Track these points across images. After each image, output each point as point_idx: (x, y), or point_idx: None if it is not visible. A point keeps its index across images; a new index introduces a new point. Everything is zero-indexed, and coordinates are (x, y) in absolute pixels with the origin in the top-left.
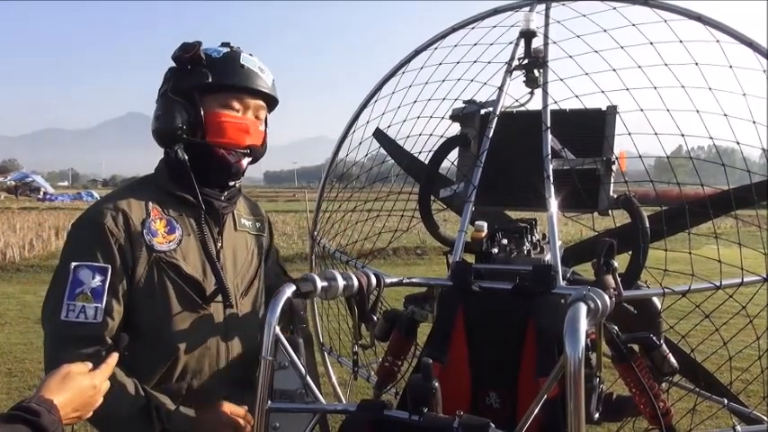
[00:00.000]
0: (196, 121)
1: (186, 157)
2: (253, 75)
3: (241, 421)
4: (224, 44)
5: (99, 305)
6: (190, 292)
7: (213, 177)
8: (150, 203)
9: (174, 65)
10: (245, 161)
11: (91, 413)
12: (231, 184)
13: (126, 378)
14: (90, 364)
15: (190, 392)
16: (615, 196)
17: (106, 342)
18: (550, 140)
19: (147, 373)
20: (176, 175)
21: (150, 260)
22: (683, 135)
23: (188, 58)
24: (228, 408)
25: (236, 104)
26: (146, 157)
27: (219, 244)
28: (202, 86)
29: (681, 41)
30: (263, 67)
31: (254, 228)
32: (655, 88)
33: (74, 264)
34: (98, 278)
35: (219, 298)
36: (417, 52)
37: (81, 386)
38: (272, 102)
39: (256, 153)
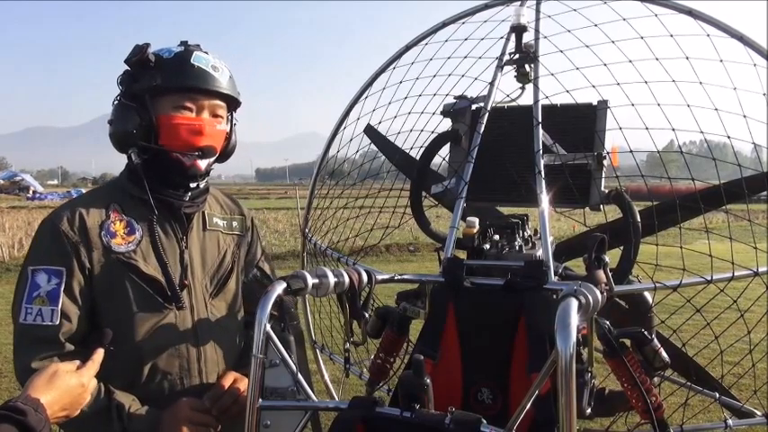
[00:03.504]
0: (149, 125)
1: (139, 161)
2: (203, 74)
3: (202, 417)
4: (182, 43)
5: (55, 308)
6: (151, 292)
7: (172, 179)
8: (111, 205)
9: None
10: (203, 162)
11: (78, 411)
12: (193, 185)
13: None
14: (77, 362)
15: (161, 394)
16: (606, 191)
17: (62, 344)
18: (542, 136)
19: (116, 374)
20: (136, 178)
21: (108, 261)
22: (674, 130)
23: (136, 62)
24: (189, 404)
25: (190, 105)
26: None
27: (185, 244)
28: (152, 89)
29: (671, 36)
30: (218, 65)
31: (228, 227)
32: (646, 83)
33: (31, 268)
34: (54, 281)
35: (185, 299)
36: (408, 48)
37: (68, 385)
38: (231, 99)
39: (212, 154)
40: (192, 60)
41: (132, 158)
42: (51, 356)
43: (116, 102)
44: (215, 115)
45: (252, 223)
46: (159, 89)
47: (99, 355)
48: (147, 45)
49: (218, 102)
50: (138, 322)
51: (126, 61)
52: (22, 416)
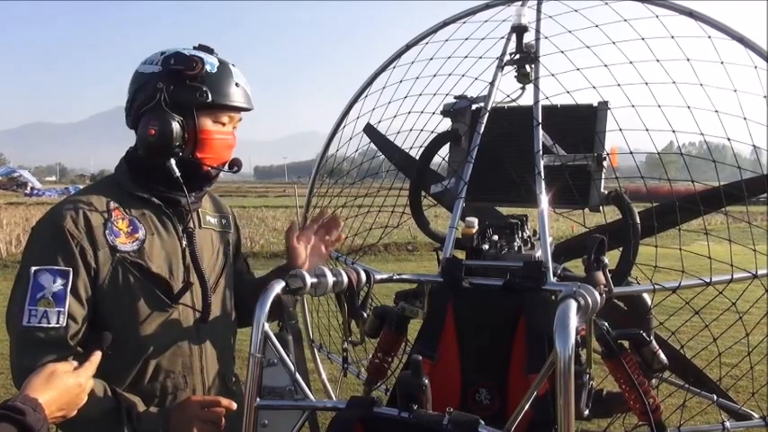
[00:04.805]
0: (189, 138)
1: (179, 174)
2: (245, 94)
3: (211, 414)
4: (201, 47)
5: (61, 309)
6: (157, 292)
7: (191, 184)
8: (112, 203)
9: (158, 69)
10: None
11: (75, 412)
12: (205, 188)
13: (95, 379)
14: (75, 363)
15: (164, 393)
16: (606, 192)
17: (71, 346)
18: (542, 136)
19: (118, 374)
20: (141, 178)
21: (114, 261)
22: (674, 131)
23: (191, 76)
24: (198, 402)
25: (225, 120)
26: None
27: (185, 242)
28: (203, 105)
29: (672, 37)
30: (246, 81)
31: (219, 225)
32: (646, 84)
33: (34, 268)
34: (59, 282)
35: (188, 296)
36: (408, 47)
37: (66, 385)
38: None
39: (239, 165)
40: (234, 78)
41: (173, 169)
42: (59, 359)
43: (155, 109)
44: (234, 126)
45: (235, 220)
46: (209, 105)
47: (96, 356)
48: (202, 60)
49: (241, 114)
50: (143, 322)
51: (174, 70)
52: (20, 415)
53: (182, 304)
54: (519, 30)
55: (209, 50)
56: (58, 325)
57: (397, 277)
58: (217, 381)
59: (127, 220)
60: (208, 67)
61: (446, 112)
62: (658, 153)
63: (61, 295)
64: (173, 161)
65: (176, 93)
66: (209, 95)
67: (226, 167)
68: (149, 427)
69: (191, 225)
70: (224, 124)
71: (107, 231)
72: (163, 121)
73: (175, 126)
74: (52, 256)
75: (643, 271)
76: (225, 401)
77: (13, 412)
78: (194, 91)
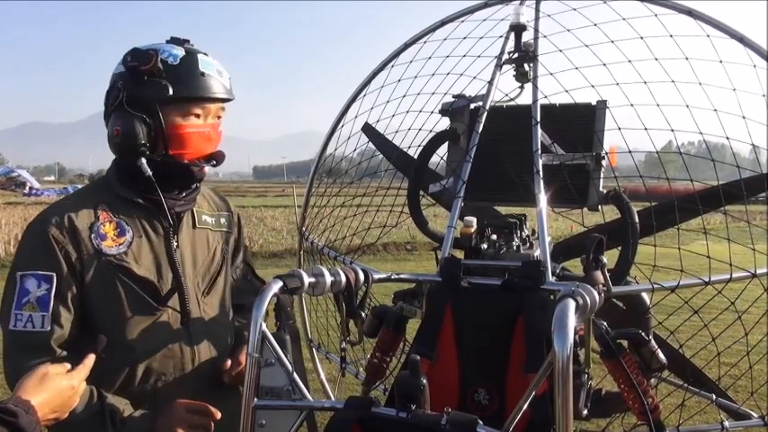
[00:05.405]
0: (157, 135)
1: (151, 173)
2: (213, 82)
3: (198, 418)
4: (173, 40)
5: (45, 314)
6: (143, 295)
7: (176, 184)
8: (99, 207)
9: (122, 69)
10: (208, 168)
11: (68, 414)
12: (193, 186)
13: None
14: (68, 365)
15: (156, 396)
16: (605, 192)
17: (54, 350)
18: (540, 135)
19: (107, 377)
20: (127, 180)
21: (100, 264)
22: (673, 130)
23: (147, 71)
24: (184, 406)
25: (198, 112)
26: None
27: (175, 243)
28: (164, 99)
29: (671, 36)
30: (221, 69)
31: (217, 224)
32: (645, 83)
33: (20, 273)
34: (44, 287)
35: (177, 299)
36: (407, 46)
37: (59, 387)
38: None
39: (222, 158)
40: (200, 68)
41: (144, 169)
42: (43, 362)
43: (117, 109)
44: (217, 116)
45: (238, 219)
46: (171, 99)
47: (90, 359)
48: (156, 52)
49: (221, 104)
50: (130, 324)
51: (130, 66)
52: (13, 417)
53: (170, 307)
54: (517, 28)
55: (180, 42)
56: (42, 329)
57: (396, 277)
58: (212, 382)
59: (114, 223)
60: (170, 60)
61: (444, 111)
62: (657, 152)
63: (45, 300)
64: (143, 160)
65: (136, 90)
66: (170, 89)
67: (204, 162)
68: (134, 430)
69: (171, 224)
70: (198, 116)
71: (93, 235)
72: (125, 121)
73: (137, 124)
74: (37, 261)
75: (642, 270)
76: (211, 409)
77: (6, 414)
78: (153, 86)
